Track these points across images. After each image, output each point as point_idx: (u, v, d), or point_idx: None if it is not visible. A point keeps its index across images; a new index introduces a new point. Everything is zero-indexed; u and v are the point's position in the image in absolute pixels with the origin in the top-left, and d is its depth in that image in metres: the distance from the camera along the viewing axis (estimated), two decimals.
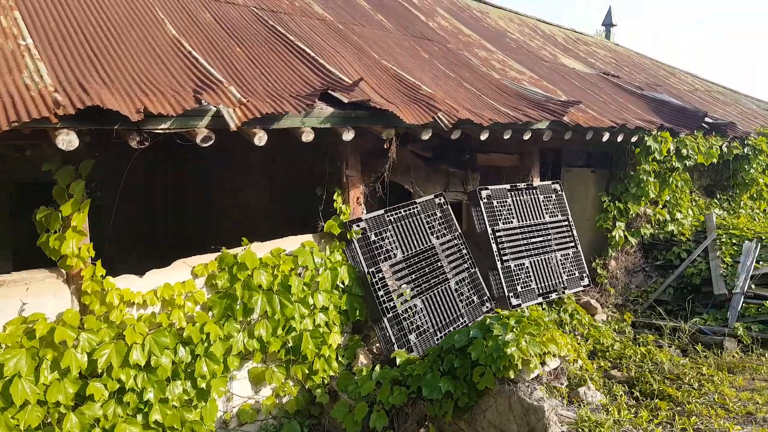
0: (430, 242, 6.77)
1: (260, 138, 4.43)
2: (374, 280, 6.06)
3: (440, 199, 7.08)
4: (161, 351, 4.56)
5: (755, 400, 5.20)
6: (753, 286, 8.00)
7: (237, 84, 4.92)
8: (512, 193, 7.85)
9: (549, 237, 8.06)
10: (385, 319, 6.03)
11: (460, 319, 6.72)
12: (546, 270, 7.84)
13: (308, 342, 5.62)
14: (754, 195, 12.29)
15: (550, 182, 8.42)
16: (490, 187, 7.66)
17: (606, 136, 8.16)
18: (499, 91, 8.06)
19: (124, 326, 4.45)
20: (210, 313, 5.05)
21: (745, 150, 11.35)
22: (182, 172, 9.82)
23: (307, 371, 5.74)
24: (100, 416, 4.30)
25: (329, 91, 5.22)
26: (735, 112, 14.42)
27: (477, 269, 7.11)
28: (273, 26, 6.63)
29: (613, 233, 9.37)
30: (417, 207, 6.76)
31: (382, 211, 6.41)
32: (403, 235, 6.50)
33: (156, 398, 4.58)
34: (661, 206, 9.95)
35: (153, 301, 4.67)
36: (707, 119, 10.53)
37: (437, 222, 6.93)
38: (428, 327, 6.38)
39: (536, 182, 8.57)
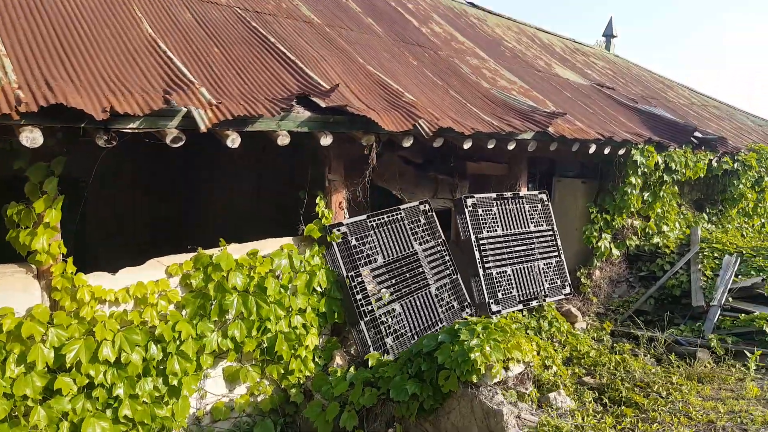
0: (413, 248, 6.85)
1: (233, 140, 4.51)
2: (353, 284, 6.14)
3: (425, 206, 7.17)
4: (132, 348, 4.64)
5: (718, 409, 5.26)
6: (731, 299, 8.06)
7: (212, 85, 4.98)
8: (498, 202, 7.93)
9: (533, 246, 8.14)
10: (362, 323, 6.11)
11: (439, 324, 6.80)
12: (528, 278, 7.93)
13: (283, 343, 5.70)
14: (742, 210, 12.36)
15: (536, 192, 8.50)
16: (476, 195, 7.75)
17: (592, 148, 8.22)
18: (486, 101, 8.14)
19: (95, 323, 4.52)
20: (183, 312, 5.14)
21: (735, 165, 11.42)
22: (172, 172, 9.89)
23: (282, 371, 5.83)
24: (68, 410, 4.37)
25: (308, 96, 5.29)
26: (729, 127, 14.49)
27: (459, 275, 7.18)
28: (255, 28, 6.69)
29: (599, 244, 9.47)
30: (401, 213, 6.85)
31: (364, 216, 6.49)
32: (385, 240, 6.58)
33: (126, 394, 4.66)
34: (652, 219, 10.03)
35: (125, 299, 4.74)
36: (697, 134, 10.60)
37: (421, 228, 7.01)
38: (406, 331, 6.46)
39: (523, 191, 8.64)
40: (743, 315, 7.68)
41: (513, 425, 4.24)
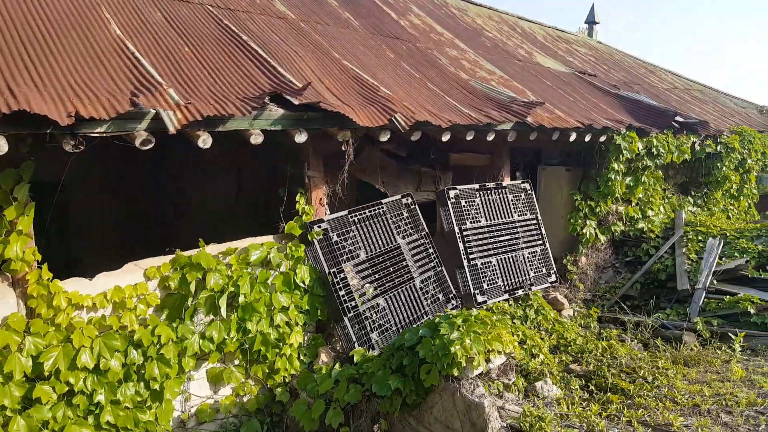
0: (396, 242, 6.83)
1: (204, 140, 4.47)
2: (335, 281, 6.12)
3: (407, 200, 7.15)
4: (111, 353, 4.60)
5: (703, 392, 5.28)
6: (715, 281, 8.11)
7: (181, 85, 4.93)
8: (481, 193, 7.93)
9: (517, 235, 8.15)
10: (346, 319, 6.09)
11: (425, 316, 6.79)
12: (513, 267, 7.93)
13: (266, 342, 5.67)
14: (727, 192, 12.41)
15: (519, 181, 8.51)
16: (458, 186, 7.74)
17: (573, 136, 8.23)
18: (465, 92, 8.11)
19: (73, 329, 4.48)
20: (163, 315, 5.10)
21: (718, 148, 11.45)
22: (151, 173, 9.81)
23: (267, 370, 5.80)
24: (48, 419, 4.33)
25: (280, 94, 5.25)
26: (712, 110, 14.54)
27: (444, 267, 7.17)
28: (227, 26, 6.62)
29: (584, 231, 9.49)
30: (383, 207, 6.82)
31: (345, 212, 6.46)
32: (367, 235, 6.56)
33: (107, 400, 4.62)
34: (634, 203, 10.06)
35: (103, 304, 4.70)
36: (678, 118, 10.62)
37: (404, 222, 6.99)
38: (391, 325, 6.44)
39: (506, 181, 8.64)
40: (728, 297, 7.72)
41: (495, 417, 4.24)
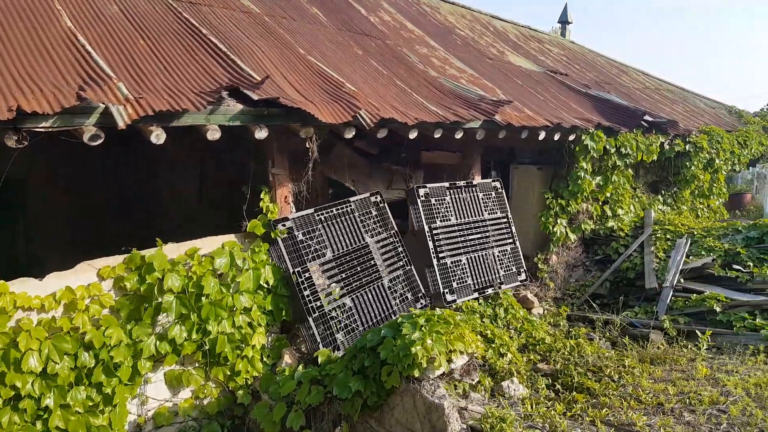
0: (364, 241, 6.73)
1: (157, 136, 4.33)
2: (300, 280, 6.00)
3: (376, 198, 7.05)
4: (60, 356, 4.43)
5: (668, 391, 5.26)
6: (682, 280, 8.13)
7: (134, 79, 4.77)
8: (451, 191, 7.86)
9: (487, 234, 8.10)
10: (311, 319, 5.98)
11: (393, 316, 6.69)
12: (483, 266, 7.88)
13: (227, 344, 5.53)
14: (695, 191, 12.52)
15: (490, 180, 8.46)
16: (428, 185, 7.67)
17: (542, 135, 8.21)
18: (433, 90, 8.04)
19: (20, 331, 4.32)
20: (120, 317, 4.94)
21: (687, 147, 11.53)
22: (116, 170, 9.55)
23: (229, 372, 5.66)
24: None
25: (238, 88, 5.12)
26: (681, 110, 14.66)
27: (413, 266, 7.09)
28: (186, 19, 6.45)
29: (555, 229, 9.47)
30: (351, 205, 6.72)
31: (311, 210, 6.34)
32: (334, 233, 6.45)
33: (56, 404, 4.45)
34: (601, 202, 10.08)
35: (53, 305, 4.53)
36: (647, 117, 10.66)
37: (372, 220, 6.89)
38: (358, 325, 6.34)
39: (477, 180, 8.59)
40: (695, 295, 7.75)
41: (455, 419, 4.16)
